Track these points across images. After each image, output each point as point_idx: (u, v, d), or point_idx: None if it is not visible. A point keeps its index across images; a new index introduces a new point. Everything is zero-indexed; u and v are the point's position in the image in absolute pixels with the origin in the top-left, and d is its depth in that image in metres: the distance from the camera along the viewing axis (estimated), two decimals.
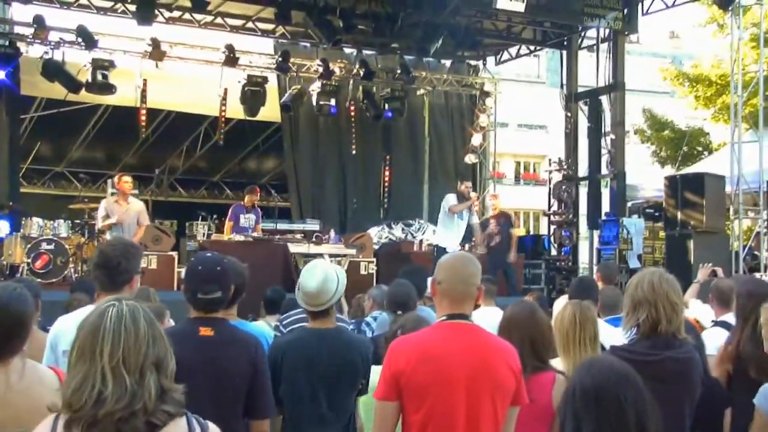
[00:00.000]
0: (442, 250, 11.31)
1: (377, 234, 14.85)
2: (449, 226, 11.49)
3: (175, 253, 11.59)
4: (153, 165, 16.32)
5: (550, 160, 16.01)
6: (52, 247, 11.49)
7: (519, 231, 28.14)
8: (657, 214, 14.87)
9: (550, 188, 15.57)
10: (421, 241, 13.96)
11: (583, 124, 15.48)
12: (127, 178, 10.81)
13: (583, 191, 15.83)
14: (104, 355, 1.95)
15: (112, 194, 11.10)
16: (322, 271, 3.76)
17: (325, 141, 15.89)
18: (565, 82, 15.96)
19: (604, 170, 15.05)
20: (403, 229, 15.30)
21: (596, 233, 14.72)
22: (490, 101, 16.79)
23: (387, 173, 16.35)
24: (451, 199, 11.60)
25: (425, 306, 5.67)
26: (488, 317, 4.64)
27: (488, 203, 12.74)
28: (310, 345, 3.70)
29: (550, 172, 15.67)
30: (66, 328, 3.36)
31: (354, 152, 15.68)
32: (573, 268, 15.04)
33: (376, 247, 13.79)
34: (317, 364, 3.66)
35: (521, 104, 29.66)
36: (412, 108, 16.44)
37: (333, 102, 14.88)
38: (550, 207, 15.56)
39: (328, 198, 15.78)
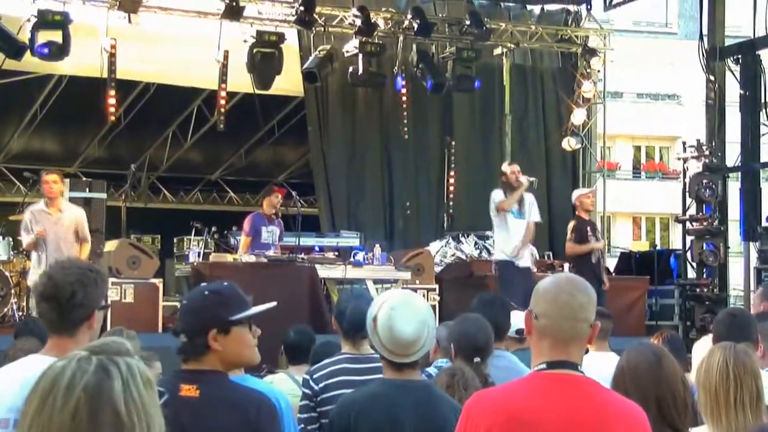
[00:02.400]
0: (506, 266, 11.30)
1: (440, 251, 14.84)
2: (506, 232, 11.46)
3: (159, 281, 11.71)
4: (126, 159, 16.52)
5: (684, 143, 15.81)
6: None
7: (641, 245, 27.86)
8: None
9: (685, 183, 15.39)
10: None
11: (734, 92, 15.26)
12: (53, 177, 10.80)
13: (734, 187, 15.58)
14: None
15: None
16: (417, 309, 3.84)
17: (365, 122, 15.95)
18: (705, 31, 15.77)
19: (764, 157, 14.80)
20: (476, 244, 15.27)
21: (754, 247, 14.48)
22: (597, 62, 16.68)
23: (452, 166, 16.34)
24: (497, 195, 11.57)
25: (506, 351, 5.64)
26: (600, 366, 4.58)
27: (579, 201, 12.54)
28: (394, 401, 3.79)
29: (685, 160, 15.50)
30: None
31: (406, 137, 15.70)
32: (720, 296, 14.85)
33: (439, 268, 13.77)
34: (404, 427, 3.74)
35: (642, 65, 29.42)
36: (487, 74, 16.40)
37: (375, 67, 14.95)
38: (685, 210, 15.36)
39: (370, 201, 15.83)
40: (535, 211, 11.60)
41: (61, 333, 3.47)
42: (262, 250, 11.81)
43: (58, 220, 10.72)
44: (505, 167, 11.74)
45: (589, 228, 12.35)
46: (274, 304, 3.50)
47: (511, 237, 11.39)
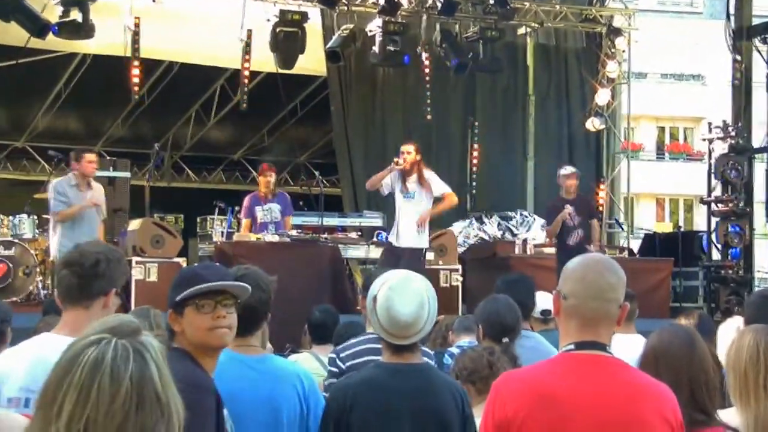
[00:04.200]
0: (386, 247, 10.93)
1: (463, 231, 14.83)
2: (397, 211, 10.94)
3: (183, 260, 11.74)
4: (150, 138, 16.58)
5: (709, 124, 15.72)
6: (11, 252, 11.78)
7: (664, 226, 27.77)
8: None
9: (710, 164, 15.31)
10: (525, 240, 13.87)
11: (760, 72, 15.16)
12: (94, 156, 10.93)
13: (760, 168, 15.50)
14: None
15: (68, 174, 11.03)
16: (416, 291, 3.76)
17: (388, 102, 15.95)
18: (732, 10, 15.64)
19: None
20: (499, 224, 15.25)
21: None
22: (621, 42, 16.59)
23: (475, 146, 16.31)
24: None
25: (533, 331, 5.65)
26: (626, 348, 4.57)
27: (561, 182, 12.22)
28: (390, 387, 3.71)
29: (711, 141, 15.41)
30: (7, 367, 3.39)
31: (429, 117, 15.67)
32: (746, 278, 14.79)
33: (462, 249, 13.77)
34: (400, 414, 3.66)
35: (667, 45, 29.23)
36: (510, 54, 16.37)
37: (398, 47, 14.90)
38: (710, 191, 15.28)
39: None
40: (436, 186, 10.90)
41: (77, 304, 3.48)
42: (262, 230, 11.76)
43: (86, 197, 10.78)
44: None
45: (570, 208, 11.91)
46: (230, 283, 3.31)
47: (396, 217, 10.96)
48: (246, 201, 12.34)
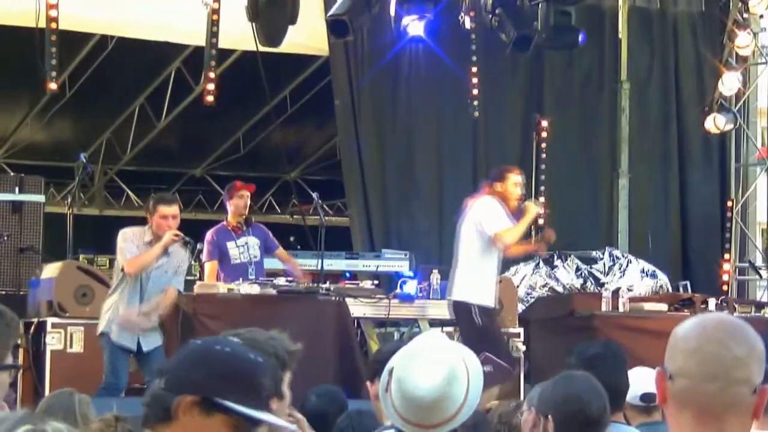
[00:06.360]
0: (468, 309, 10.94)
1: (526, 279, 14.82)
2: (487, 264, 11.10)
3: None
4: (73, 145, 16.67)
5: None
6: None
7: None
8: None
9: None
10: (616, 292, 13.85)
11: None
12: (170, 210, 10.84)
13: None
14: None
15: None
16: (443, 362, 3.72)
17: (417, 95, 15.98)
18: None
19: None
20: (578, 269, 15.24)
21: None
22: (758, 5, 16.53)
23: (543, 156, 16.30)
24: (488, 211, 11.02)
25: (625, 424, 5.62)
26: None
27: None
28: None
29: None
30: None
31: (476, 115, 15.68)
32: None
33: (525, 305, 13.75)
34: None
35: None
36: (594, 24, 16.43)
37: (428, 15, 14.94)
38: None
39: (423, 207, 15.82)
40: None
41: None
42: (239, 276, 11.76)
43: (165, 262, 10.85)
44: (512, 175, 11.44)
45: None
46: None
47: (494, 274, 11.20)
48: (209, 236, 12.31)
